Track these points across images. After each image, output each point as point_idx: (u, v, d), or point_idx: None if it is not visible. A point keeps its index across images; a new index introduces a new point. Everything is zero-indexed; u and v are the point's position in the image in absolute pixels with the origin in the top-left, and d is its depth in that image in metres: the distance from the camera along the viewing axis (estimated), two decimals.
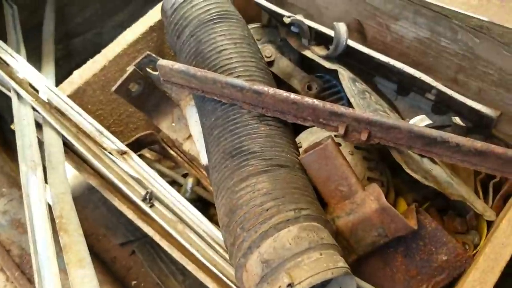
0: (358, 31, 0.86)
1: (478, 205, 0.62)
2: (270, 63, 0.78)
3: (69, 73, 0.76)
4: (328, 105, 0.55)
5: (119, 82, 0.68)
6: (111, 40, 0.78)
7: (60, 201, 0.55)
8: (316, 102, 0.55)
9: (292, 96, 0.56)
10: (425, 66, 0.81)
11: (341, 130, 0.55)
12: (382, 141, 0.55)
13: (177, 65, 0.59)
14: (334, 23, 0.70)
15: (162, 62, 0.61)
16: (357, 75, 0.78)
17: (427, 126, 0.78)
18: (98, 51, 0.77)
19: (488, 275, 0.51)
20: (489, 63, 0.71)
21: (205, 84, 0.59)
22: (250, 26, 0.83)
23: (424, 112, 0.80)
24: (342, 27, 0.70)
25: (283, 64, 0.78)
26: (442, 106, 0.74)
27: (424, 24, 0.75)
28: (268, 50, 0.77)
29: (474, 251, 0.61)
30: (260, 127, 0.57)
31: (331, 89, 0.83)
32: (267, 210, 0.48)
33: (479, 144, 0.51)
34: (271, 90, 0.56)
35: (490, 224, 0.62)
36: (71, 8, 1.17)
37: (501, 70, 0.71)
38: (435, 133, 0.52)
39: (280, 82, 0.78)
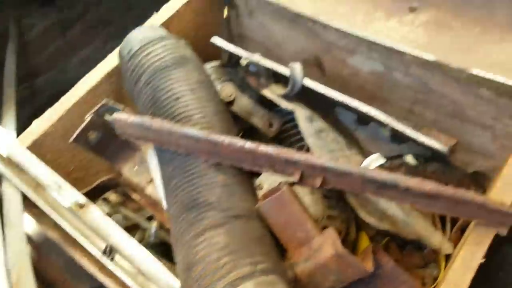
0: (316, 65, 0.88)
1: (435, 240, 0.64)
2: (231, 102, 0.78)
3: (34, 113, 0.76)
4: (283, 153, 0.56)
5: (77, 132, 0.68)
6: (75, 77, 0.78)
7: (18, 263, 0.54)
8: (271, 150, 0.56)
9: (247, 145, 0.57)
10: (382, 98, 0.82)
11: (296, 177, 0.56)
12: (336, 185, 0.56)
13: (132, 118, 0.60)
14: (290, 63, 0.72)
15: (117, 116, 0.61)
16: (317, 107, 0.80)
17: (387, 158, 0.81)
18: (63, 89, 0.77)
19: None
20: (442, 95, 0.73)
21: (161, 136, 0.59)
22: (210, 65, 0.84)
23: (384, 141, 0.82)
24: (297, 67, 0.71)
25: (244, 103, 0.79)
26: (400, 136, 0.76)
27: (378, 59, 0.77)
28: (228, 90, 0.78)
29: (433, 285, 0.63)
30: (217, 176, 0.57)
31: (293, 122, 0.84)
32: (223, 266, 0.49)
33: (428, 186, 0.53)
34: (227, 140, 0.57)
35: (449, 256, 0.64)
36: (33, 46, 1.16)
37: (454, 102, 0.73)
38: (386, 177, 0.54)
39: (242, 120, 0.79)
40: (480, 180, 0.78)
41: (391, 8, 0.70)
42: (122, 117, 0.60)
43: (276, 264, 0.52)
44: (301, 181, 0.56)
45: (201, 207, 0.54)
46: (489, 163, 0.76)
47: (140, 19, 0.86)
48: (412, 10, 0.69)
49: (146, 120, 0.59)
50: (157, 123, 0.59)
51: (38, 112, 0.75)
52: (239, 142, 0.57)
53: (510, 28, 0.62)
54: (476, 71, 0.61)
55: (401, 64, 0.75)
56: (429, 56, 0.64)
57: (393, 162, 0.81)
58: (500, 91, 0.63)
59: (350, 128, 0.86)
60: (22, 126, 0.73)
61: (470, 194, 0.53)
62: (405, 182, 0.53)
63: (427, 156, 0.76)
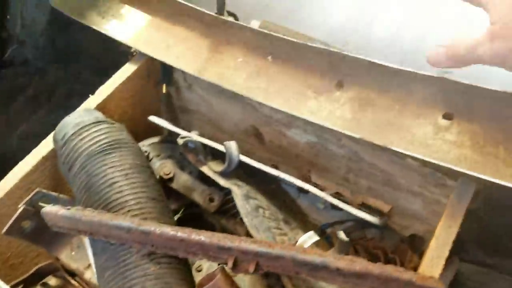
0: (255, 135, 0.90)
1: None
2: (170, 180, 0.79)
3: None
4: (215, 240, 0.56)
5: (9, 223, 0.67)
6: (18, 150, 0.77)
7: None
8: (203, 238, 0.56)
9: (179, 233, 0.57)
10: (319, 167, 0.85)
11: (230, 263, 0.56)
12: (270, 269, 0.57)
13: (62, 211, 0.59)
14: (225, 142, 0.74)
15: (46, 209, 0.60)
16: (258, 180, 0.81)
17: (329, 224, 0.82)
18: (5, 164, 0.75)
19: None
20: (373, 165, 0.77)
21: (92, 228, 0.59)
22: (149, 141, 0.85)
23: (325, 208, 0.84)
24: (232, 146, 0.73)
25: (183, 179, 0.80)
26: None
27: (312, 132, 0.80)
28: (167, 168, 0.79)
29: None
30: (150, 267, 0.57)
31: (232, 197, 0.85)
32: None
33: (358, 267, 0.54)
34: (158, 230, 0.57)
35: None
36: None
37: (384, 171, 0.76)
38: (316, 259, 0.54)
39: (182, 197, 0.80)
40: (418, 243, 0.81)
41: (319, 86, 0.74)
42: (52, 210, 0.60)
43: None
44: (235, 267, 0.57)
45: None
46: (424, 227, 0.79)
47: (84, 92, 0.86)
48: (339, 88, 0.73)
49: (76, 212, 0.59)
50: (88, 215, 0.59)
51: None
52: (171, 231, 0.57)
53: (425, 104, 0.66)
54: (397, 148, 0.64)
55: (333, 137, 0.78)
56: (354, 134, 0.67)
57: (335, 228, 0.83)
58: (423, 162, 0.66)
59: (293, 196, 0.88)
60: None
61: (397, 272, 0.54)
62: (335, 263, 0.54)
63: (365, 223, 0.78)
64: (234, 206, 0.84)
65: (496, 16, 0.48)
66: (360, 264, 0.55)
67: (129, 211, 0.62)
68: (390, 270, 0.55)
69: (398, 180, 0.75)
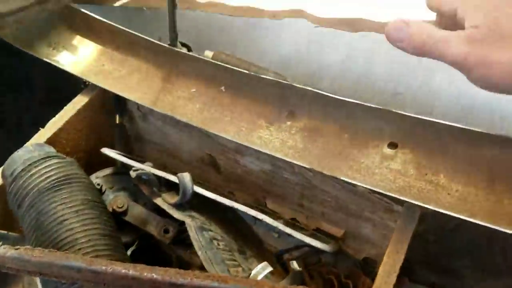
0: (211, 164, 0.91)
1: None
2: (124, 213, 0.78)
3: None
4: (167, 277, 0.56)
5: None
6: None
7: None
8: (155, 275, 0.56)
9: (131, 271, 0.56)
10: (274, 193, 0.87)
11: None
12: None
13: (10, 253, 0.57)
14: (178, 174, 0.74)
15: None
16: (214, 209, 0.82)
17: (285, 250, 0.84)
18: None
19: None
20: (325, 191, 0.79)
21: (42, 268, 0.57)
22: (102, 172, 0.84)
23: (280, 235, 0.85)
24: (186, 177, 0.73)
25: (137, 211, 0.79)
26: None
27: (266, 160, 0.82)
28: (120, 201, 0.78)
29: None
30: None
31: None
32: None
33: None
34: (109, 269, 0.56)
35: None
36: None
37: (336, 197, 0.78)
38: None
39: (137, 229, 0.79)
40: (371, 266, 0.83)
41: (271, 116, 0.76)
42: (0, 252, 0.58)
43: None
44: None
45: None
46: (375, 250, 0.81)
47: (34, 122, 0.85)
48: (290, 118, 0.75)
49: (25, 253, 0.57)
50: (37, 255, 0.57)
51: None
52: (122, 269, 0.56)
53: (371, 134, 0.69)
54: (345, 178, 0.67)
55: (286, 165, 0.80)
56: (305, 164, 0.69)
57: (291, 255, 0.85)
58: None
59: (249, 223, 0.89)
60: None
61: None
62: None
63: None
64: (189, 237, 0.84)
65: (479, 19, 0.44)
66: None
67: (79, 249, 0.61)
68: None
69: (349, 206, 0.78)
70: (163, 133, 0.93)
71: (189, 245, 0.79)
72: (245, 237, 0.83)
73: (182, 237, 0.82)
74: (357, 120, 0.70)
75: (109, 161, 0.88)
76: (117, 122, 0.92)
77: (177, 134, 0.91)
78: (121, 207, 0.78)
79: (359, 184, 0.66)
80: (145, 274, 0.57)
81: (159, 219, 0.80)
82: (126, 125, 0.95)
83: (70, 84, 0.89)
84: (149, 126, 0.94)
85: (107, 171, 0.84)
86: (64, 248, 0.61)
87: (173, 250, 0.80)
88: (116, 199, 0.78)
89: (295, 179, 0.81)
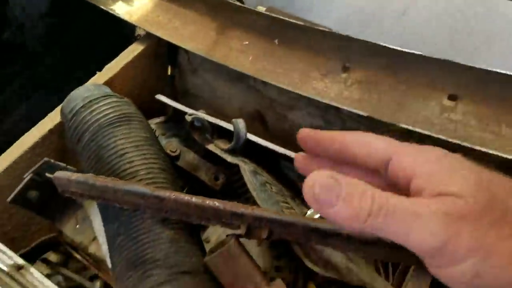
0: (258, 119, 0.92)
1: (379, 284, 0.66)
2: (176, 157, 0.79)
3: None
4: (229, 206, 0.57)
5: (15, 192, 0.66)
6: (11, 136, 0.76)
7: None
8: (217, 204, 0.57)
9: (194, 199, 0.57)
10: None
11: (243, 230, 0.57)
12: (282, 236, 0.57)
13: (75, 176, 0.59)
14: (233, 119, 0.74)
15: (58, 174, 0.60)
16: (261, 162, 0.82)
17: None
18: None
19: None
20: None
21: (106, 193, 0.58)
22: (155, 120, 0.85)
23: None
24: (240, 123, 0.74)
25: (189, 158, 0.80)
26: None
27: (316, 114, 0.82)
28: (173, 145, 0.79)
29: None
30: (164, 232, 0.57)
31: (237, 176, 0.86)
32: None
33: (369, 234, 0.55)
34: (173, 195, 0.57)
35: None
36: None
37: None
38: (328, 227, 0.56)
39: (188, 175, 0.80)
40: None
41: (325, 68, 0.75)
42: (64, 175, 0.59)
43: None
44: (248, 233, 0.57)
45: (147, 265, 0.54)
46: None
47: (80, 80, 0.86)
48: (345, 70, 0.74)
49: (90, 177, 0.59)
50: (102, 180, 0.59)
51: None
52: (185, 197, 0.57)
53: (430, 87, 0.68)
54: (404, 125, 0.66)
55: (338, 119, 0.80)
56: (362, 112, 0.69)
57: None
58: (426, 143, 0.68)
59: (295, 181, 0.89)
60: None
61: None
62: (347, 231, 0.55)
63: None
64: (238, 187, 0.85)
65: (468, 188, 0.31)
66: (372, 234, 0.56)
67: (140, 180, 0.62)
68: None
69: None
70: (212, 88, 0.94)
71: (238, 196, 0.80)
72: (293, 191, 0.83)
73: (230, 187, 0.83)
74: (415, 71, 0.70)
75: (159, 112, 0.90)
76: (169, 74, 0.92)
77: (226, 88, 0.91)
78: (174, 152, 0.79)
79: (420, 131, 0.65)
80: (208, 202, 0.57)
81: (210, 166, 0.81)
82: (176, 78, 0.96)
83: (120, 39, 0.90)
84: (198, 80, 0.94)
85: (159, 119, 0.85)
86: (125, 179, 0.62)
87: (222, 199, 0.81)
88: (169, 144, 0.79)
89: None
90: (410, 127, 0.66)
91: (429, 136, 0.65)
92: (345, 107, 0.71)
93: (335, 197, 0.32)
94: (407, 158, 0.36)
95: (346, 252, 0.56)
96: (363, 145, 0.40)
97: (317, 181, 0.32)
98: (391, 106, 0.70)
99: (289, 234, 0.57)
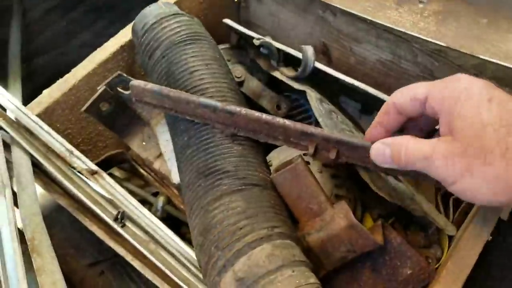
0: (323, 52, 0.90)
1: (440, 220, 0.66)
2: (240, 83, 0.79)
3: (33, 92, 0.75)
4: (299, 125, 0.57)
5: (90, 101, 0.68)
6: (75, 59, 0.77)
7: (31, 223, 0.54)
8: (287, 122, 0.57)
9: (264, 116, 0.57)
10: (387, 86, 0.84)
11: (311, 149, 0.57)
12: (349, 159, 0.57)
13: (150, 85, 0.60)
14: (302, 46, 0.73)
15: (134, 82, 0.61)
16: (323, 95, 0.81)
17: None
18: (62, 71, 0.76)
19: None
20: None
21: (178, 104, 0.59)
22: (220, 47, 0.85)
23: None
24: (309, 50, 0.72)
25: (253, 84, 0.80)
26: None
27: (385, 47, 0.79)
28: (238, 71, 0.79)
29: (437, 265, 0.64)
30: (233, 146, 0.58)
31: (299, 108, 0.85)
32: (241, 228, 0.49)
33: None
34: (244, 111, 0.58)
35: (451, 238, 0.66)
36: (34, 26, 1.16)
37: None
38: None
39: (250, 102, 0.80)
40: None
41: None
42: (140, 83, 0.61)
43: (292, 231, 0.53)
44: (316, 154, 0.57)
45: (218, 174, 0.55)
46: None
47: (144, 5, 0.86)
48: (422, 0, 0.71)
49: (164, 88, 0.60)
50: (175, 92, 0.60)
51: (36, 92, 0.74)
52: (256, 113, 0.58)
53: None
54: (482, 56, 0.63)
55: (409, 53, 0.77)
56: (439, 42, 0.66)
57: None
58: (502, 82, 0.65)
59: (354, 117, 0.88)
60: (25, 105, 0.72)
61: None
62: None
63: None
64: (300, 120, 0.85)
65: (461, 130, 0.43)
66: None
67: (211, 97, 0.62)
68: None
69: None
70: (276, 18, 0.92)
71: None
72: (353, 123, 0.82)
73: (292, 118, 0.83)
74: (499, 5, 0.66)
75: (222, 41, 0.89)
76: (235, 0, 0.91)
77: (292, 18, 0.89)
78: (239, 77, 0.79)
79: (497, 62, 0.62)
80: (278, 119, 0.58)
81: (274, 95, 0.80)
82: (241, 7, 0.94)
83: None
84: (262, 9, 0.93)
85: (223, 46, 0.85)
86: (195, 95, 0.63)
87: None
88: (234, 69, 0.79)
89: (415, 70, 0.78)
90: (489, 59, 0.63)
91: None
92: (420, 36, 0.68)
93: (386, 158, 0.50)
94: (435, 95, 0.46)
95: (415, 178, 0.56)
96: (405, 95, 0.50)
97: (374, 151, 0.51)
98: (470, 38, 0.67)
99: (357, 158, 0.57)
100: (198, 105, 0.58)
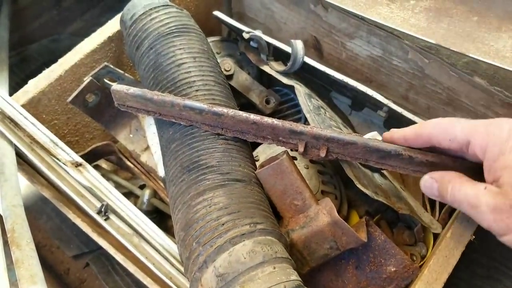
0: (314, 47, 0.89)
1: (425, 218, 0.66)
2: (229, 77, 0.79)
3: (23, 80, 0.74)
4: (287, 124, 0.56)
5: (75, 92, 0.67)
6: (67, 47, 0.77)
7: (12, 214, 0.54)
8: (276, 121, 0.56)
9: (252, 116, 0.56)
10: (377, 83, 0.84)
11: (301, 148, 0.57)
12: (339, 156, 0.57)
13: (133, 90, 0.58)
14: (291, 40, 0.73)
15: (116, 87, 0.59)
16: (313, 90, 0.81)
17: None
18: (54, 58, 0.75)
19: (433, 286, 0.54)
20: (438, 82, 0.75)
21: (163, 108, 0.58)
22: (210, 39, 0.84)
23: (377, 127, 0.83)
24: (299, 44, 0.72)
25: (242, 78, 0.79)
26: (393, 121, 0.78)
27: (377, 43, 0.79)
28: (227, 64, 0.78)
29: (421, 262, 0.64)
30: (218, 141, 0.57)
31: (288, 103, 0.85)
32: (223, 224, 0.49)
33: (429, 156, 0.54)
34: (231, 112, 0.57)
35: (436, 236, 0.65)
36: (27, 12, 1.14)
37: (448, 89, 0.75)
38: (389, 147, 0.55)
39: (238, 96, 0.80)
40: None
41: None
42: (121, 88, 0.59)
43: (275, 227, 0.52)
44: (305, 152, 0.57)
45: (201, 169, 0.54)
46: None
47: None
48: None
49: (147, 91, 0.58)
50: (159, 95, 0.58)
51: (27, 79, 0.73)
52: (243, 114, 0.57)
53: (506, 19, 0.64)
54: (473, 55, 0.63)
55: (399, 50, 0.76)
56: (430, 40, 0.66)
57: None
58: (493, 81, 0.65)
59: (345, 113, 0.87)
60: (10, 93, 0.71)
61: (467, 164, 0.54)
62: (408, 151, 0.54)
63: None
64: (289, 115, 0.84)
65: (506, 187, 0.44)
66: (432, 154, 0.54)
67: (197, 90, 0.61)
68: (460, 163, 0.54)
69: (462, 99, 0.74)
70: (269, 11, 0.91)
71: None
72: (342, 119, 0.82)
73: (279, 115, 0.83)
74: (490, 3, 0.65)
75: (213, 33, 0.88)
76: None
77: (284, 12, 0.88)
78: (228, 70, 0.78)
79: (489, 62, 0.62)
80: (266, 119, 0.57)
81: (263, 89, 0.80)
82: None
83: None
84: (255, 2, 0.92)
85: (213, 38, 0.84)
86: (181, 88, 0.62)
87: None
88: (223, 62, 0.78)
89: (405, 67, 0.78)
90: (480, 58, 0.62)
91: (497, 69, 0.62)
92: (410, 33, 0.67)
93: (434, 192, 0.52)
94: (478, 142, 0.48)
95: (405, 172, 0.55)
96: (443, 132, 0.51)
97: (423, 182, 0.54)
98: (461, 36, 0.66)
99: (348, 154, 0.56)
100: (183, 108, 0.57)
